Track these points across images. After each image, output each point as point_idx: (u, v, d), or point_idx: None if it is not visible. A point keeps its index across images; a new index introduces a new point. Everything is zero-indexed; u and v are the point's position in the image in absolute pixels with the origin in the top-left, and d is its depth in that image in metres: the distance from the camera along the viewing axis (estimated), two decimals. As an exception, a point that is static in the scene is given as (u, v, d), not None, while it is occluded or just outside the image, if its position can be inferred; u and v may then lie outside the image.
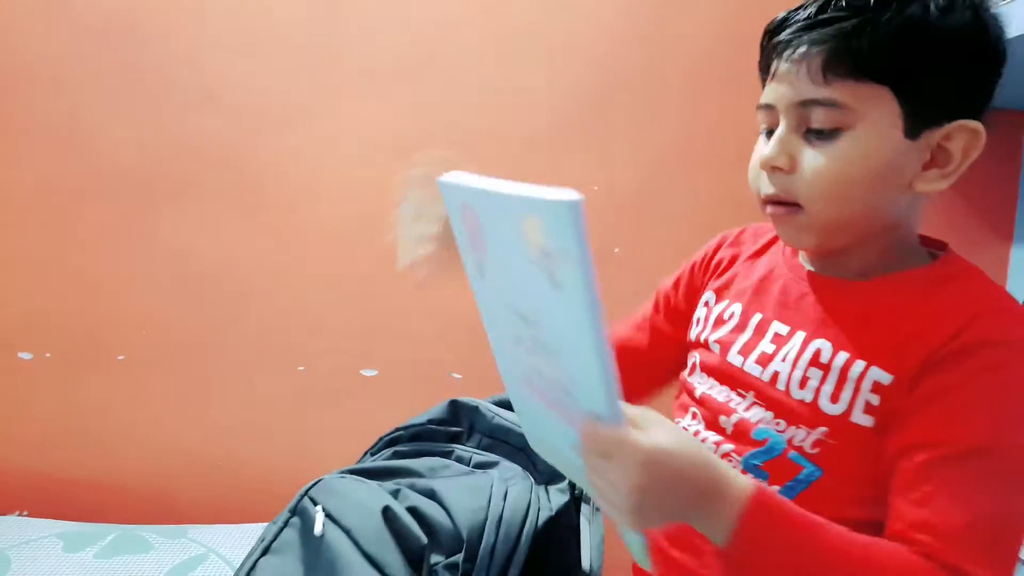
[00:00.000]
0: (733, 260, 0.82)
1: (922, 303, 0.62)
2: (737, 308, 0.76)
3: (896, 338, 0.61)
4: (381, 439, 1.17)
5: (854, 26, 0.59)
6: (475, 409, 1.08)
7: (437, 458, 1.08)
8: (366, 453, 1.17)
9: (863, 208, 0.64)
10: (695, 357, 0.79)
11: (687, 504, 0.52)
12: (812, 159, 0.63)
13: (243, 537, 1.34)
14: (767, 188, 0.67)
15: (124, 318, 1.56)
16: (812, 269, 0.72)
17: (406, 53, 1.53)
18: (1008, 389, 0.57)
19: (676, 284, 0.89)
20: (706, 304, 0.81)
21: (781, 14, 0.65)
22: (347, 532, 0.95)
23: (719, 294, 0.80)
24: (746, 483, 0.54)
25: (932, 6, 0.59)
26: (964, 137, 0.63)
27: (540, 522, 0.91)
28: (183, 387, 1.56)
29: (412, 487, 1.03)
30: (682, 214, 1.58)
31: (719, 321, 0.77)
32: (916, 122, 0.62)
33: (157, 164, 1.52)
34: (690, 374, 0.81)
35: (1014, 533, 0.56)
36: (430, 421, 1.11)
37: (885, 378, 0.61)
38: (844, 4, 0.60)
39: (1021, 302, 1.50)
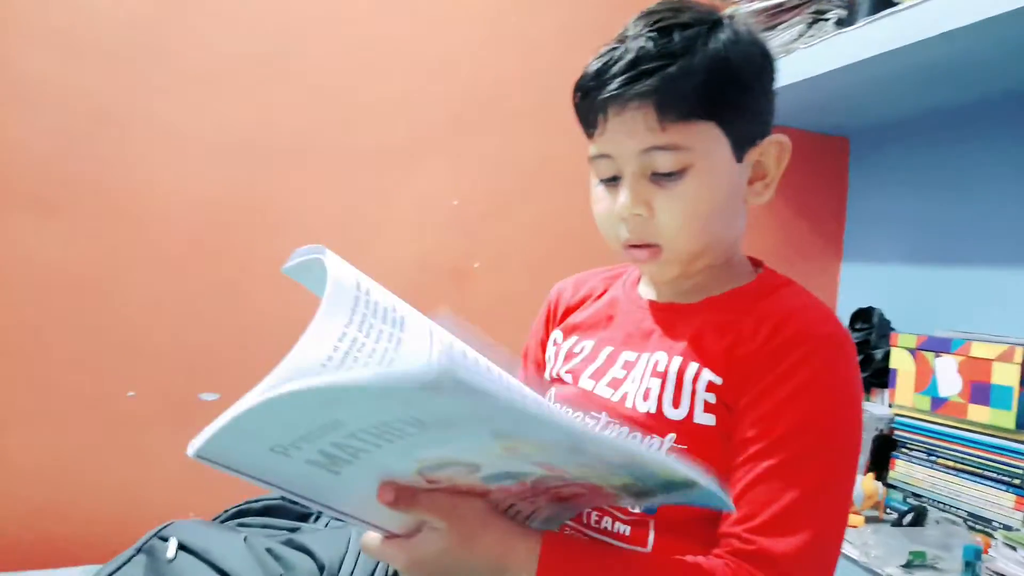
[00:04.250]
0: (578, 304, 0.85)
1: (745, 315, 0.67)
2: (588, 343, 0.78)
3: (723, 346, 0.66)
4: (227, 510, 1.14)
5: (674, 72, 0.63)
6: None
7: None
8: (213, 520, 1.13)
9: (716, 234, 0.70)
10: (550, 393, 0.81)
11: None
12: (666, 202, 0.66)
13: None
14: (626, 235, 0.70)
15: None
16: (652, 299, 0.77)
17: (257, 56, 1.44)
18: (817, 379, 0.62)
19: (535, 343, 0.89)
20: (555, 343, 0.83)
21: (590, 69, 0.68)
22: (203, 556, 0.90)
23: (567, 332, 0.83)
24: (533, 543, 0.57)
25: (724, 40, 0.66)
26: (774, 149, 0.70)
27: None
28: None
29: (269, 537, 1.00)
30: (539, 230, 1.60)
31: (569, 355, 0.80)
32: (741, 146, 0.68)
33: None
34: None
35: (829, 512, 0.61)
36: (284, 496, 1.07)
37: (717, 379, 0.65)
38: (656, 52, 0.64)
39: (852, 312, 1.63)
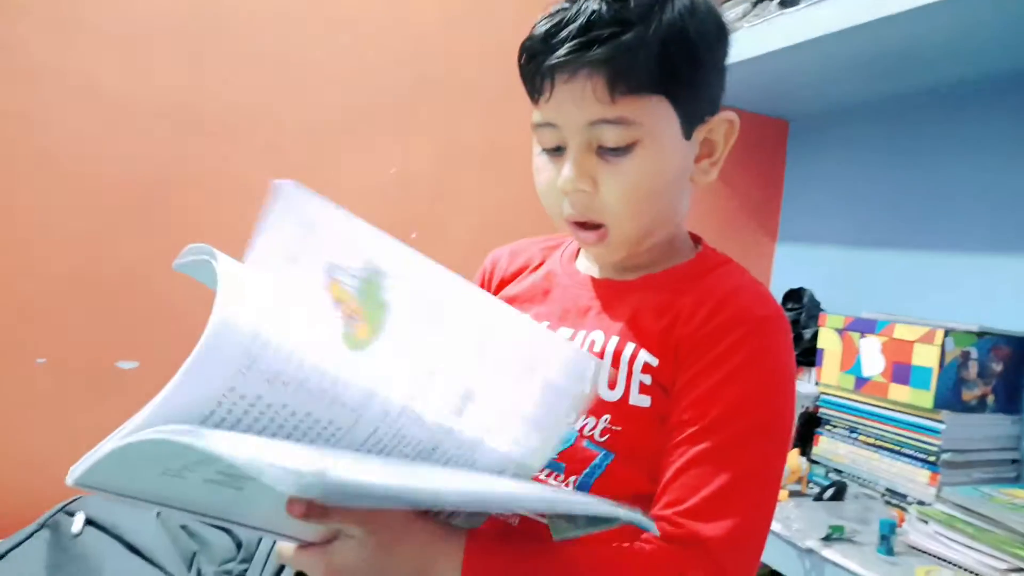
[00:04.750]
0: (514, 275, 0.82)
1: (681, 294, 0.66)
2: None
3: (660, 326, 0.65)
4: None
5: (628, 41, 0.60)
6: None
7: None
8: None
9: (662, 213, 0.68)
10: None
11: None
12: (611, 178, 0.64)
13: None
14: (568, 210, 0.67)
15: None
16: (591, 275, 0.75)
17: (191, 18, 1.36)
18: (752, 362, 0.61)
19: None
20: None
21: (538, 31, 0.63)
22: (112, 531, 0.85)
23: None
24: (456, 549, 0.55)
25: (681, 11, 0.62)
26: (724, 127, 0.69)
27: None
28: None
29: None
30: (477, 203, 1.58)
31: None
32: (691, 122, 0.66)
33: None
34: None
35: (759, 495, 0.61)
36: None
37: (653, 360, 0.64)
38: (610, 18, 0.60)
39: (784, 293, 1.66)
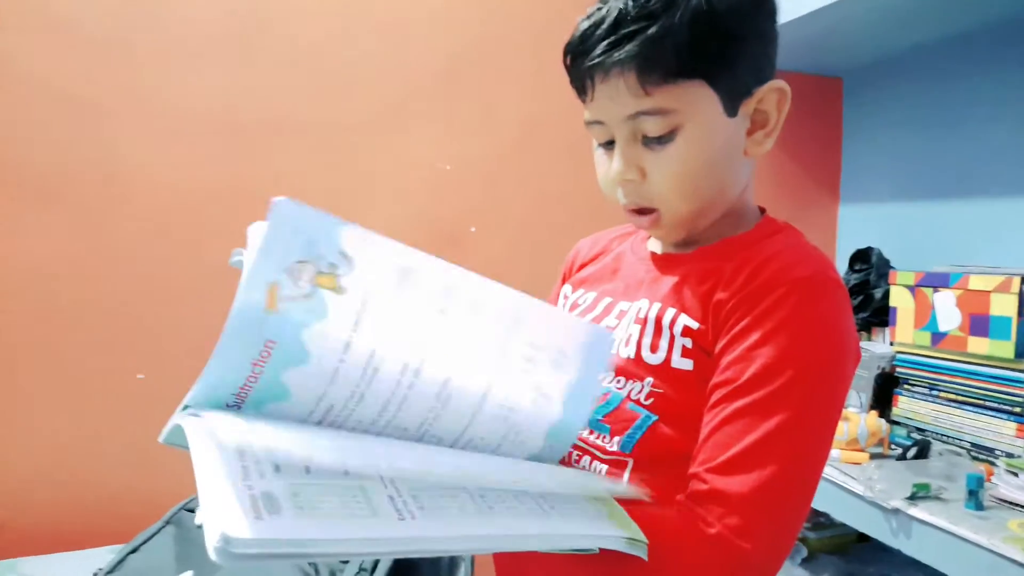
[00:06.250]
0: (592, 259, 0.86)
1: (727, 261, 0.67)
2: (590, 295, 0.80)
3: (701, 291, 0.67)
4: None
5: (654, 34, 0.62)
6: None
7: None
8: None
9: (715, 192, 0.69)
10: None
11: None
12: (657, 165, 0.66)
13: (84, 563, 1.22)
14: (623, 199, 0.70)
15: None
16: (653, 250, 0.77)
17: (235, 30, 1.42)
18: (791, 321, 0.60)
19: (552, 299, 0.91)
20: (564, 296, 0.84)
21: (576, 33, 0.66)
22: None
23: (575, 286, 0.84)
24: None
25: None
26: (774, 96, 0.68)
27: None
28: (6, 406, 1.39)
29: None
30: (535, 191, 1.59)
31: (573, 306, 0.81)
32: (732, 100, 0.66)
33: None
34: None
35: (796, 451, 0.59)
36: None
37: (694, 324, 0.65)
38: (635, 15, 0.62)
39: (851, 254, 1.63)
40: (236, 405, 0.46)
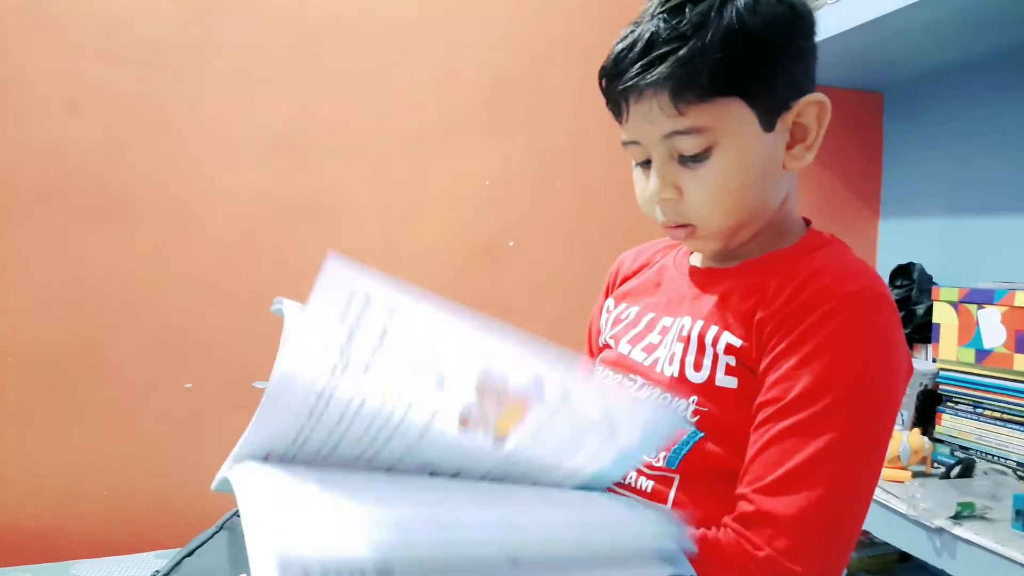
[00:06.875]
0: (635, 272, 0.86)
1: (771, 277, 0.66)
2: (633, 310, 0.80)
3: (744, 307, 0.66)
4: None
5: (686, 55, 0.61)
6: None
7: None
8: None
9: (753, 207, 0.69)
10: (599, 359, 0.82)
11: None
12: (694, 183, 0.66)
13: (134, 567, 1.26)
14: (662, 216, 0.71)
15: (-14, 343, 1.42)
16: (696, 264, 0.77)
17: (288, 51, 1.47)
18: (837, 338, 0.59)
19: (596, 312, 0.91)
20: (607, 310, 0.85)
21: (610, 56, 0.67)
22: None
23: (618, 300, 0.84)
24: None
25: (740, 9, 0.62)
26: (813, 109, 0.68)
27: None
28: (58, 414, 1.44)
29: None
30: (574, 207, 1.61)
31: (616, 321, 0.81)
32: (769, 115, 0.66)
33: (16, 174, 1.40)
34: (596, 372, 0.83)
35: (845, 470, 0.58)
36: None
37: (737, 342, 0.65)
38: (667, 36, 0.63)
39: (892, 269, 1.61)
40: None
